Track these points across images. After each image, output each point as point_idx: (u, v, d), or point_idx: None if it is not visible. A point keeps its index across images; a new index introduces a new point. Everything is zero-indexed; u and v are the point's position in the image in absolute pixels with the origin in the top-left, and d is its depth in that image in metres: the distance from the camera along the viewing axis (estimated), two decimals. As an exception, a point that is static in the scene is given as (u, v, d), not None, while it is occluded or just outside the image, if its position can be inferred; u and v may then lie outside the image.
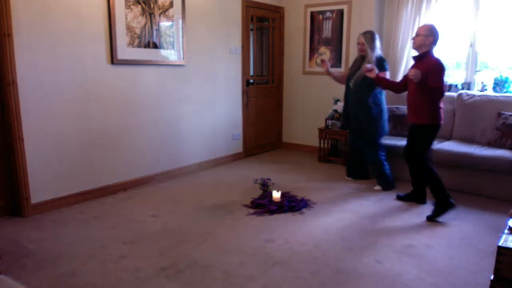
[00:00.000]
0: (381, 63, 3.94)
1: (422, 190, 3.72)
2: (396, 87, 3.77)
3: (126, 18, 3.79)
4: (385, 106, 4.09)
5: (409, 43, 4.87)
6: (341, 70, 5.29)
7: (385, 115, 4.09)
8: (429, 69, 3.27)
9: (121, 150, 3.95)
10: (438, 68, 3.30)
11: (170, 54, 4.26)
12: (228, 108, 5.12)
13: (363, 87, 3.96)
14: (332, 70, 4.36)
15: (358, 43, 4.03)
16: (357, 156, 4.36)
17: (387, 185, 4.10)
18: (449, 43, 4.84)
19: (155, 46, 4.10)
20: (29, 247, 2.76)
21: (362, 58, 4.03)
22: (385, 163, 4.11)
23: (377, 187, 4.15)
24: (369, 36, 3.96)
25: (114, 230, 3.07)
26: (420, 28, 3.43)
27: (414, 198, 3.75)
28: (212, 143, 4.96)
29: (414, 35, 3.47)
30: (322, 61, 4.22)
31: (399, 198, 3.83)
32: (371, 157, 4.14)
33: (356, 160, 4.42)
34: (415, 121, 3.47)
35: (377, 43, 3.99)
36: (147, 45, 4.02)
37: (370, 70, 3.67)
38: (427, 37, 3.34)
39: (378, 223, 3.23)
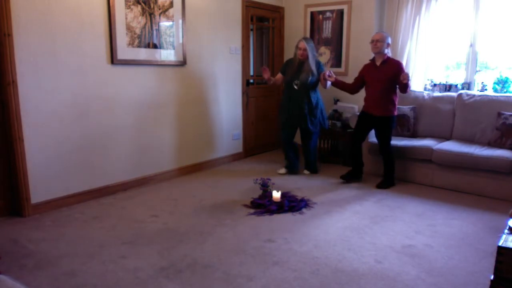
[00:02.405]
0: (320, 66, 4.43)
1: (392, 176, 4.23)
2: (352, 89, 4.37)
3: (126, 18, 3.79)
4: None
5: (409, 43, 4.89)
6: (341, 70, 5.33)
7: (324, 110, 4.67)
8: (396, 69, 3.98)
9: (121, 150, 3.95)
10: (403, 67, 4.05)
11: (170, 54, 4.26)
12: (228, 108, 5.12)
13: (309, 86, 4.39)
14: (271, 77, 4.48)
15: (300, 48, 4.34)
16: (294, 150, 4.69)
17: (315, 170, 4.69)
18: (449, 43, 4.84)
19: (155, 46, 4.10)
20: (29, 247, 2.76)
21: (300, 61, 4.38)
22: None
23: (307, 171, 4.69)
24: (311, 43, 4.38)
25: (114, 230, 3.07)
26: (378, 35, 4.05)
27: (387, 185, 4.19)
28: (212, 143, 4.96)
29: (372, 41, 4.05)
30: (264, 69, 4.32)
31: (343, 179, 4.33)
32: (314, 147, 4.65)
33: (294, 154, 4.69)
34: (385, 114, 4.07)
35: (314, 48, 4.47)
36: (147, 45, 4.02)
37: (330, 76, 4.18)
38: (386, 43, 4.04)
39: (378, 223, 3.23)
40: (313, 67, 4.35)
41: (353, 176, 4.34)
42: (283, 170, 4.71)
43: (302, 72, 4.37)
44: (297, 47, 4.39)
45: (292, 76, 4.43)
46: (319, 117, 4.53)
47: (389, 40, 4.08)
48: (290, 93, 4.46)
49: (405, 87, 3.92)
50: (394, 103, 4.09)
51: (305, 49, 4.31)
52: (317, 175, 4.60)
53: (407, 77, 3.81)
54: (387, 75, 4.00)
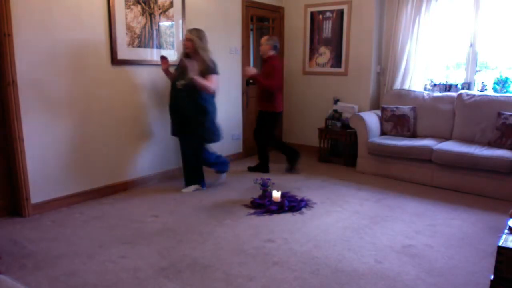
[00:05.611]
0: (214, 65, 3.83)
1: (266, 161, 4.72)
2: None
3: (126, 18, 3.79)
4: (216, 106, 3.94)
5: (409, 43, 4.89)
6: (341, 70, 5.34)
7: (216, 115, 3.94)
8: (270, 68, 4.44)
9: (121, 150, 3.94)
10: (271, 67, 4.45)
11: (170, 54, 4.25)
12: (228, 108, 5.11)
13: (195, 86, 3.67)
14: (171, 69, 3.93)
15: (187, 39, 3.70)
16: (196, 159, 4.00)
17: (203, 184, 4.06)
18: (449, 43, 4.84)
19: (155, 46, 4.10)
20: (29, 247, 2.76)
21: (187, 57, 3.75)
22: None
23: (194, 187, 4.01)
24: (200, 35, 3.72)
25: (114, 230, 3.07)
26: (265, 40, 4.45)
27: (261, 169, 4.71)
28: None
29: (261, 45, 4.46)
30: (163, 57, 3.80)
31: (250, 169, 4.74)
32: (193, 160, 3.97)
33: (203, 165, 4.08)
34: (262, 109, 4.60)
35: (207, 45, 3.78)
36: (147, 45, 4.02)
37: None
38: (274, 45, 4.47)
39: (378, 223, 3.23)
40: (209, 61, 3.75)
41: (261, 168, 4.71)
42: (194, 187, 4.03)
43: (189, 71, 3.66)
44: (186, 39, 3.74)
45: (177, 74, 3.79)
46: (207, 128, 3.83)
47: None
48: (174, 94, 3.81)
49: (254, 83, 4.64)
50: (270, 100, 4.46)
51: (191, 39, 3.67)
52: (317, 175, 4.59)
53: (247, 72, 4.42)
54: (263, 74, 4.44)
